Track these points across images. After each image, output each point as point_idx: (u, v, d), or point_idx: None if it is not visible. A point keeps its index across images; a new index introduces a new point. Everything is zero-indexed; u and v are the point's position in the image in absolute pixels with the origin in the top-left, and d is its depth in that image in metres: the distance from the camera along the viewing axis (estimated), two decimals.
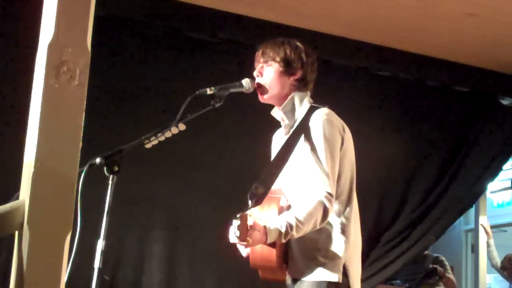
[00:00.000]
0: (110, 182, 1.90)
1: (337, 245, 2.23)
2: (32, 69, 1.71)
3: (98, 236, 1.86)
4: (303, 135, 2.27)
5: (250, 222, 2.02)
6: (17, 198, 1.66)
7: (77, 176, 1.65)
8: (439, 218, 4.89)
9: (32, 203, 1.58)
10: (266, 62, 2.38)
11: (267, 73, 2.38)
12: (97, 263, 1.85)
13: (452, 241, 7.94)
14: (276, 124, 2.49)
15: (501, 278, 6.78)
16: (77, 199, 1.71)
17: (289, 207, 2.27)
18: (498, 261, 6.27)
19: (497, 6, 4.04)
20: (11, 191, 1.76)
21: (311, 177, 2.21)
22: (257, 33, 4.23)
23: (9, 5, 3.74)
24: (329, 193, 2.17)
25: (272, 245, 2.13)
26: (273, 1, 4.11)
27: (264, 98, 2.39)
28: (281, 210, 2.19)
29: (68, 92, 1.64)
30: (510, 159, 5.60)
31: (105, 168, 1.90)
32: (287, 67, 2.36)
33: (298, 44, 2.41)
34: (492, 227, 6.12)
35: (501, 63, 4.97)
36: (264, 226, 2.07)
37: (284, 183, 2.33)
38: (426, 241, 4.88)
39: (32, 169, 1.58)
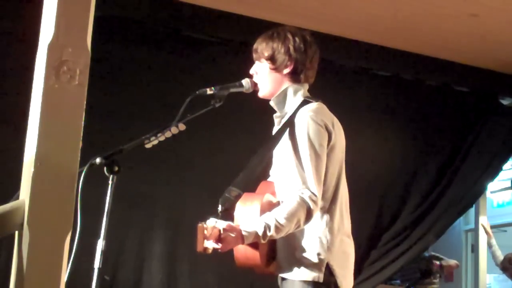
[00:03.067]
0: (110, 182, 1.90)
1: (319, 243, 2.19)
2: (32, 69, 1.71)
3: (98, 236, 1.86)
4: (287, 132, 2.23)
5: (222, 225, 2.02)
6: (17, 198, 1.66)
7: (77, 176, 1.65)
8: (439, 218, 4.89)
9: (32, 203, 1.58)
10: (258, 59, 2.38)
11: (260, 71, 2.37)
12: (97, 263, 1.85)
13: (452, 241, 7.93)
14: None
15: (501, 278, 6.78)
16: (77, 199, 1.71)
17: (271, 203, 2.23)
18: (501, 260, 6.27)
19: (497, 6, 4.04)
20: (11, 191, 1.76)
21: (294, 177, 2.17)
22: (257, 33, 4.22)
23: (9, 5, 3.74)
24: (313, 193, 2.13)
25: (255, 244, 2.11)
26: (273, 1, 4.11)
27: (260, 96, 2.39)
28: (263, 206, 2.15)
29: (68, 92, 1.64)
30: (510, 159, 5.60)
31: (105, 168, 1.90)
32: (276, 64, 2.33)
33: (288, 34, 2.36)
34: (492, 227, 6.12)
35: (501, 63, 4.97)
36: (240, 230, 2.05)
37: (274, 178, 2.33)
38: (426, 241, 4.87)
39: (32, 169, 1.58)
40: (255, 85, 2.37)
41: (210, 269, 4.10)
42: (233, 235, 2.04)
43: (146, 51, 4.16)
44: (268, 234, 2.07)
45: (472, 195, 5.16)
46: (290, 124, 2.24)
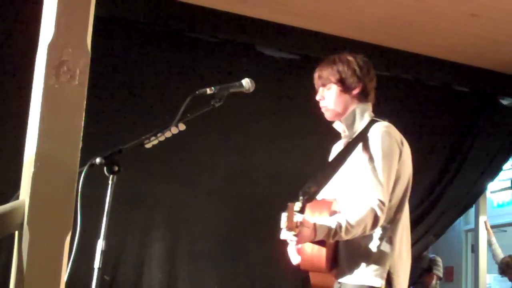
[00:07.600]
0: (110, 182, 1.90)
1: (383, 252, 2.26)
2: (32, 69, 1.71)
3: (98, 236, 1.86)
4: (361, 145, 2.32)
5: (299, 218, 2.06)
6: (17, 198, 1.66)
7: (77, 176, 1.65)
8: (439, 218, 4.89)
9: (32, 203, 1.58)
10: (324, 85, 2.45)
11: (329, 95, 2.44)
12: (97, 263, 1.85)
13: (452, 241, 7.93)
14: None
15: (500, 278, 6.77)
16: (77, 199, 1.71)
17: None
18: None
19: (497, 6, 4.04)
20: (11, 191, 1.76)
21: (365, 185, 2.25)
22: (257, 33, 4.22)
23: (9, 5, 3.74)
24: (381, 201, 2.21)
25: (322, 244, 2.17)
26: (273, 1, 4.10)
27: (328, 118, 2.48)
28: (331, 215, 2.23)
29: (68, 92, 1.64)
30: (510, 159, 5.59)
31: (105, 168, 1.90)
32: (345, 86, 2.42)
33: (349, 58, 2.46)
34: (492, 227, 6.11)
35: (501, 63, 4.97)
36: (314, 223, 2.12)
37: (339, 191, 2.37)
38: (426, 241, 4.87)
39: (32, 169, 1.58)
40: (324, 109, 2.44)
41: (210, 269, 4.10)
42: (309, 228, 2.10)
43: (146, 51, 4.15)
44: (339, 233, 2.14)
45: (472, 195, 5.17)
46: (363, 138, 2.32)
